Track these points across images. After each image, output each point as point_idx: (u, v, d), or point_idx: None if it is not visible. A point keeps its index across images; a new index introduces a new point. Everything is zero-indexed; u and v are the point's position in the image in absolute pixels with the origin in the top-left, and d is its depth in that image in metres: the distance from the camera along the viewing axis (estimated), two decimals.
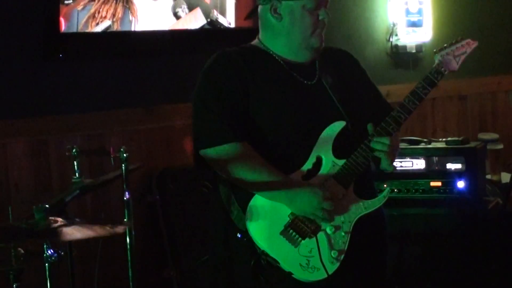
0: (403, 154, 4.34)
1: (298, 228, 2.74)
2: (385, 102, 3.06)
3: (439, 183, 4.29)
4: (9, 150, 3.88)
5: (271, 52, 2.90)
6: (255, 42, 2.97)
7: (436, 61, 2.86)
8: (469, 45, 2.89)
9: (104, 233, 2.96)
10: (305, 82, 2.88)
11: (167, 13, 4.30)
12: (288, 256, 2.72)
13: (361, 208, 2.79)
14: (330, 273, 2.72)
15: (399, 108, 2.82)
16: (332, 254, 2.73)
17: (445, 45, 2.89)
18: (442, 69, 2.84)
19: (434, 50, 2.90)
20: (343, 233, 2.75)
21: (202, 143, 2.79)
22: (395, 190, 4.27)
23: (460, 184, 4.25)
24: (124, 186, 3.53)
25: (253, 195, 2.76)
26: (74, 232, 2.94)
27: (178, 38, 4.41)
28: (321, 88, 2.89)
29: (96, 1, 4.01)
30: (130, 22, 4.16)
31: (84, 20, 3.99)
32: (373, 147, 2.79)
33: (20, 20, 3.90)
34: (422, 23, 5.41)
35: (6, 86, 3.89)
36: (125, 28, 4.15)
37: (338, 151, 2.80)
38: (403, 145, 4.38)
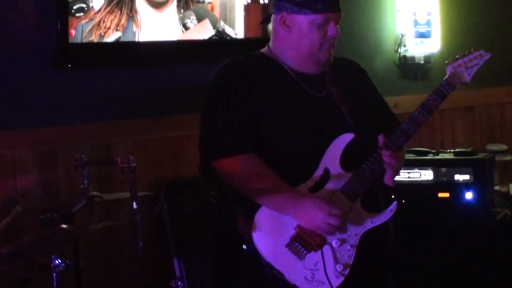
0: (411, 165, 4.33)
1: (304, 241, 2.71)
2: (392, 114, 3.05)
3: (447, 194, 4.28)
4: (17, 160, 3.88)
5: (280, 62, 2.89)
6: (264, 50, 2.95)
7: (448, 73, 2.82)
8: (481, 57, 2.85)
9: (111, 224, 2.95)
10: (315, 94, 2.87)
11: (172, 24, 4.30)
12: (293, 269, 2.70)
13: (368, 222, 2.77)
14: (334, 287, 2.70)
15: (408, 121, 2.79)
16: (337, 268, 2.71)
17: (457, 56, 2.85)
18: (454, 81, 2.80)
19: (446, 62, 2.85)
20: (349, 247, 2.73)
21: (212, 154, 2.78)
22: (403, 201, 4.26)
23: (468, 195, 4.24)
24: (132, 196, 3.53)
25: (259, 206, 2.74)
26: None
27: (186, 48, 4.42)
28: (330, 101, 2.87)
29: (102, 10, 4.03)
30: (134, 33, 4.16)
31: (89, 28, 3.99)
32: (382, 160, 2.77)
33: (29, 30, 3.91)
34: (430, 34, 5.40)
35: (15, 96, 3.90)
36: (129, 39, 4.15)
37: (346, 163, 2.78)
38: (411, 156, 4.38)
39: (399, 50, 5.40)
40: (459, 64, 2.82)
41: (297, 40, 2.84)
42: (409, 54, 5.40)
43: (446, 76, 2.82)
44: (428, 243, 4.29)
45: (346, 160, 2.78)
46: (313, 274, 2.70)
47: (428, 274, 4.27)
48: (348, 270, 2.71)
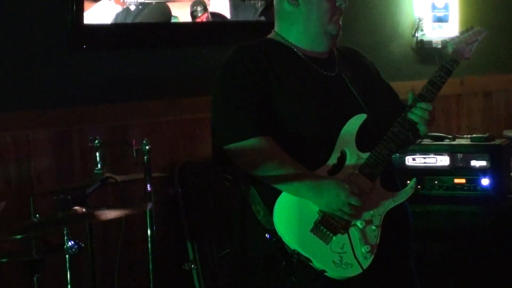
0: (427, 150, 4.31)
1: (329, 224, 2.68)
2: (400, 102, 3.04)
3: (463, 180, 4.26)
4: (31, 141, 3.88)
5: (289, 44, 2.87)
6: (271, 35, 2.93)
7: (450, 50, 2.88)
8: (480, 33, 2.93)
9: (127, 213, 2.95)
10: (326, 73, 2.85)
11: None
12: (320, 254, 2.66)
13: (390, 201, 2.75)
14: (364, 268, 2.67)
15: (418, 98, 2.80)
16: (365, 249, 2.68)
17: (457, 34, 2.94)
18: (457, 57, 2.86)
19: (447, 40, 2.96)
20: (374, 227, 2.71)
21: (225, 139, 2.75)
22: (419, 187, 4.24)
23: (485, 181, 4.22)
24: (146, 178, 3.52)
25: (279, 193, 2.71)
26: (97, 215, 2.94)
27: (202, 30, 4.40)
28: (341, 81, 2.86)
29: None
30: None
31: None
32: (415, 113, 2.76)
33: (44, 11, 3.90)
34: (448, 19, 5.37)
35: (30, 77, 3.89)
36: None
37: (361, 144, 2.77)
38: (427, 141, 4.35)
39: (416, 34, 5.37)
40: (460, 41, 2.90)
41: (306, 14, 2.83)
42: (426, 38, 5.37)
43: (449, 52, 2.88)
44: (443, 229, 4.26)
45: (361, 140, 2.77)
46: (341, 257, 2.67)
47: (442, 260, 4.25)
48: (375, 250, 2.69)
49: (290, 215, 2.69)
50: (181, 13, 4.27)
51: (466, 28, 2.94)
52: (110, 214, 3.09)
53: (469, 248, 4.21)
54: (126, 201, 3.94)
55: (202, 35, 4.39)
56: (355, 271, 2.67)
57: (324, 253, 2.66)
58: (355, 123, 2.78)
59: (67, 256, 3.08)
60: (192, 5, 4.30)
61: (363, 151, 2.77)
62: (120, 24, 4.06)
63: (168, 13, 4.22)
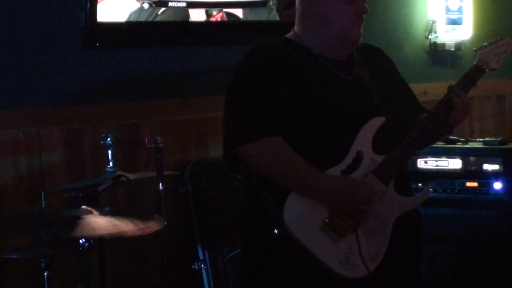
0: (439, 153, 4.30)
1: (338, 224, 2.67)
2: (418, 102, 3.03)
3: (475, 184, 4.25)
4: (43, 138, 3.89)
5: (308, 46, 2.85)
6: (290, 35, 2.92)
7: (477, 59, 2.85)
8: (509, 45, 2.89)
9: (135, 230, 2.93)
10: (344, 76, 2.84)
11: None
12: (328, 252, 2.65)
13: (402, 205, 2.74)
14: (371, 270, 2.66)
15: (439, 105, 2.78)
16: (372, 251, 2.67)
17: (485, 44, 2.89)
18: (483, 66, 2.83)
19: (474, 49, 2.91)
20: (383, 230, 2.70)
21: (237, 139, 2.73)
22: (430, 190, 4.22)
23: (497, 185, 4.20)
24: (158, 177, 3.52)
25: (290, 190, 2.70)
26: (105, 227, 2.92)
27: (216, 29, 4.39)
28: (360, 83, 2.84)
29: None
30: None
31: None
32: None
33: (58, 9, 3.91)
34: (462, 21, 5.35)
35: (43, 74, 3.90)
36: None
37: (377, 146, 2.76)
38: (439, 144, 4.34)
39: (429, 37, 5.35)
40: (487, 51, 2.86)
41: (328, 19, 2.81)
42: (439, 41, 5.35)
43: (475, 61, 2.85)
44: (454, 233, 4.25)
45: (378, 143, 2.75)
46: (348, 257, 2.66)
47: (453, 263, 4.24)
48: (383, 254, 2.68)
49: (300, 212, 2.68)
50: (195, 12, 4.27)
51: (496, 39, 2.90)
52: (119, 228, 3.05)
53: (480, 252, 4.19)
54: (137, 202, 3.93)
55: (216, 35, 4.38)
56: (361, 272, 2.66)
57: (331, 251, 2.66)
58: (372, 125, 2.77)
59: (78, 253, 3.07)
60: None
61: (379, 153, 2.76)
62: (133, 22, 4.05)
63: (186, 16, 4.23)
